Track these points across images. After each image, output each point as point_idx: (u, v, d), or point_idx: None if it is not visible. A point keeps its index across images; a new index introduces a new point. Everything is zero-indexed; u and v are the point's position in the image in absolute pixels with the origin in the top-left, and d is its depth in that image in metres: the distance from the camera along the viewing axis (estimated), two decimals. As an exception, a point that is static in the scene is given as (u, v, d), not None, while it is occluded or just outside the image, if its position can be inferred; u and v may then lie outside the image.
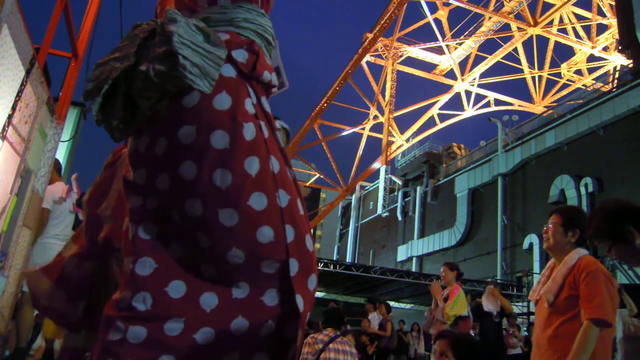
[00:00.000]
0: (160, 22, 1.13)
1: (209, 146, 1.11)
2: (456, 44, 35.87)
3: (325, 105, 34.19)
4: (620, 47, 25.29)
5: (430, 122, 36.87)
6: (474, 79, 36.39)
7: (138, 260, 1.11)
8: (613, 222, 1.77)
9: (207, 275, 1.13)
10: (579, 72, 37.36)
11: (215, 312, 1.10)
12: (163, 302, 1.08)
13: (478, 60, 36.52)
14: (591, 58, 36.07)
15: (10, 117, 3.00)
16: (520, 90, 39.09)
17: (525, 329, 12.71)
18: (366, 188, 39.24)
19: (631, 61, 20.77)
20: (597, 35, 35.22)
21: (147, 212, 1.15)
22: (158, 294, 1.08)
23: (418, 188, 31.35)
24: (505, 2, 33.15)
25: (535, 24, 32.88)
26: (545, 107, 34.81)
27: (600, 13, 35.06)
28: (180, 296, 1.09)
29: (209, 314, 1.09)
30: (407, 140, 36.73)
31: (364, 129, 36.99)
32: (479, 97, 36.93)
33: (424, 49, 36.84)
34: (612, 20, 32.29)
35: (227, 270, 1.13)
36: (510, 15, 33.24)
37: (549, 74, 37.74)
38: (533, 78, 37.66)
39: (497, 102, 36.73)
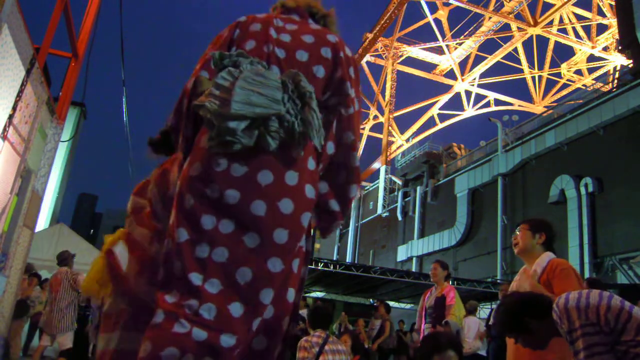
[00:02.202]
0: (292, 79, 1.37)
1: (303, 194, 1.36)
2: (456, 44, 35.86)
3: (325, 105, 34.16)
4: (620, 47, 25.27)
5: (430, 122, 36.90)
6: (474, 79, 36.38)
7: (208, 280, 1.26)
8: (513, 317, 1.93)
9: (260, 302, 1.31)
10: (579, 72, 37.35)
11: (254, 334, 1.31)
12: (224, 317, 1.25)
13: (478, 60, 36.56)
14: (591, 58, 36.06)
15: (10, 117, 3.00)
16: (520, 90, 39.14)
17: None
18: (366, 188, 39.23)
19: (631, 61, 20.76)
20: (597, 35, 35.22)
21: (220, 235, 1.30)
22: (222, 309, 1.25)
23: (418, 188, 31.34)
24: (505, 2, 33.15)
25: (535, 24, 32.88)
26: (545, 107, 34.80)
27: (600, 13, 35.05)
28: (238, 316, 1.26)
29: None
30: (407, 140, 36.72)
31: (364, 129, 36.98)
32: (479, 97, 36.93)
33: (424, 49, 36.83)
34: (612, 20, 32.29)
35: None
36: (510, 15, 33.23)
37: (549, 74, 37.73)
38: (533, 78, 37.65)
39: (497, 102, 36.74)
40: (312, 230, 1.47)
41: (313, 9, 1.64)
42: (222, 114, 1.29)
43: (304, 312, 10.29)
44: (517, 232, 2.78)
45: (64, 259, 6.16)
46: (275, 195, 1.32)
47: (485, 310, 20.14)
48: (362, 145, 36.55)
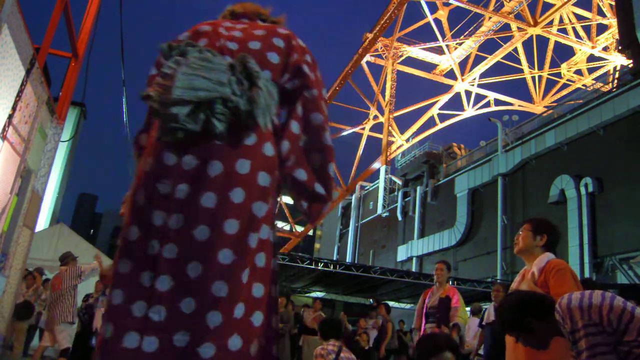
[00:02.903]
0: (240, 61, 1.35)
1: (255, 182, 1.32)
2: (456, 44, 35.85)
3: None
4: (620, 47, 25.27)
5: (430, 122, 36.88)
6: (474, 79, 36.37)
7: (158, 278, 1.24)
8: (515, 316, 1.93)
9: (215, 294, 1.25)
10: (579, 72, 37.34)
11: (218, 329, 1.23)
12: (176, 316, 1.22)
13: (478, 60, 36.54)
14: (591, 58, 36.05)
15: (10, 117, 3.00)
16: (520, 90, 39.13)
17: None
18: (366, 188, 39.22)
19: (631, 61, 20.75)
20: (597, 35, 35.21)
21: (169, 231, 1.27)
22: (172, 307, 1.22)
23: (418, 188, 31.35)
24: (505, 2, 33.14)
25: (535, 24, 32.87)
26: (545, 107, 34.79)
27: (600, 13, 35.04)
28: (190, 312, 1.22)
29: (212, 330, 1.23)
30: (407, 140, 36.71)
31: (364, 129, 36.99)
32: (479, 97, 36.92)
33: (424, 49, 36.82)
34: (612, 20, 32.28)
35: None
36: (510, 15, 33.22)
37: (549, 74, 37.72)
38: (533, 78, 37.64)
39: (497, 102, 36.73)
40: (274, 221, 1.41)
41: (262, 15, 1.64)
42: (164, 100, 1.27)
43: (303, 311, 10.29)
44: (520, 232, 2.77)
45: (64, 258, 6.22)
46: (225, 185, 1.28)
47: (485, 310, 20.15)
48: (362, 145, 36.60)
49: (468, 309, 8.45)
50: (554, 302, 1.87)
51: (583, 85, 35.10)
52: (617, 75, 29.46)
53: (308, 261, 16.22)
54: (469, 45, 35.46)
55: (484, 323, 6.69)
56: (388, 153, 34.42)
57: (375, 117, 36.30)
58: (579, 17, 35.87)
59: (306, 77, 1.49)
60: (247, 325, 1.27)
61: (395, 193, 34.13)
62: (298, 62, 1.48)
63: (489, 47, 40.12)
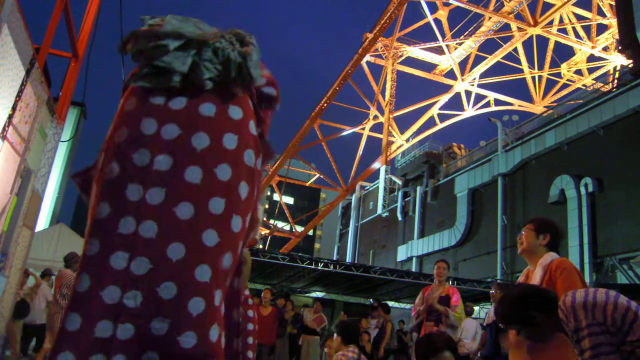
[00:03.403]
0: (231, 31, 1.30)
1: (242, 160, 1.25)
2: (456, 44, 35.85)
3: (325, 105, 34.18)
4: (620, 47, 25.25)
5: (430, 122, 36.88)
6: (474, 79, 36.35)
7: (135, 259, 1.12)
8: (518, 309, 1.92)
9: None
10: (579, 72, 37.33)
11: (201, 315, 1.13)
12: (153, 301, 1.11)
13: (478, 60, 36.53)
14: (591, 58, 36.04)
15: (10, 117, 3.00)
16: (520, 90, 39.10)
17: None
18: (366, 188, 39.21)
19: (631, 61, 20.75)
20: (597, 35, 35.19)
21: (147, 207, 1.15)
22: (150, 292, 1.11)
23: (418, 188, 31.34)
24: (505, 2, 33.13)
25: (535, 24, 32.86)
26: (545, 107, 34.79)
27: (600, 13, 35.03)
28: (170, 297, 1.11)
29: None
30: (407, 140, 36.70)
31: (364, 129, 36.97)
32: (479, 97, 36.91)
33: (424, 49, 36.81)
34: (612, 20, 32.26)
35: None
36: (510, 15, 33.22)
37: (549, 74, 37.71)
38: (533, 78, 37.63)
39: (497, 102, 36.72)
40: (255, 207, 1.31)
41: None
42: (152, 33, 1.18)
43: (303, 311, 10.29)
44: (522, 232, 2.76)
45: (69, 259, 6.09)
46: (212, 160, 1.17)
47: (485, 311, 20.15)
48: (362, 145, 36.58)
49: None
50: (558, 297, 1.87)
51: (583, 85, 35.09)
52: (617, 75, 29.45)
53: (308, 261, 16.22)
54: (469, 45, 35.45)
55: (485, 324, 6.70)
56: (388, 153, 34.41)
57: (375, 117, 36.28)
58: (579, 17, 35.86)
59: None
60: (220, 314, 1.18)
61: (395, 193, 34.12)
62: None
63: (489, 47, 40.10)
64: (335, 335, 3.90)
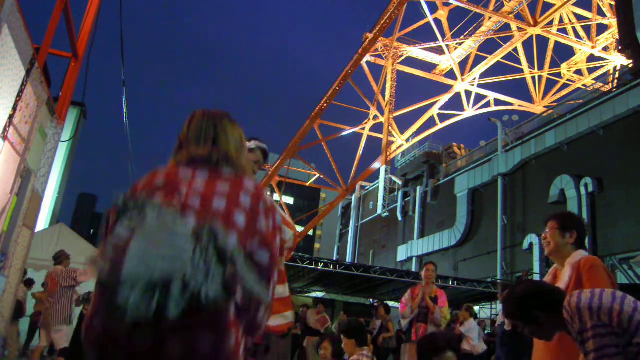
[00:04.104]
0: (208, 230, 1.17)
1: None
2: (456, 44, 35.83)
3: (325, 105, 34.15)
4: (620, 47, 25.25)
5: (430, 122, 36.84)
6: (474, 79, 36.34)
7: None
8: (522, 307, 1.90)
9: None
10: (579, 72, 37.32)
11: None
12: None
13: (478, 60, 36.50)
14: (591, 58, 36.03)
15: (11, 117, 3.00)
16: (520, 90, 39.09)
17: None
18: (366, 188, 39.21)
19: (631, 61, 20.75)
20: (597, 35, 35.18)
21: None
22: None
23: (418, 188, 31.35)
24: (505, 2, 33.12)
25: (535, 24, 32.85)
26: (545, 107, 34.78)
27: (600, 13, 35.02)
28: None
29: None
30: (407, 140, 36.69)
31: (364, 129, 36.95)
32: (479, 97, 36.89)
33: (424, 49, 36.79)
34: (612, 20, 32.25)
35: None
36: (510, 15, 33.20)
37: (549, 74, 37.69)
38: (533, 78, 37.61)
39: (497, 102, 36.70)
40: None
41: (230, 159, 1.43)
42: (111, 280, 1.11)
43: (302, 311, 10.29)
44: (546, 231, 2.57)
45: (58, 257, 6.22)
46: None
47: (485, 311, 20.15)
48: (362, 145, 36.56)
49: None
50: (564, 296, 1.85)
51: (583, 85, 35.08)
52: (617, 75, 29.45)
53: (308, 261, 16.22)
54: (469, 45, 35.44)
55: (497, 324, 6.77)
56: (388, 153, 34.40)
57: (375, 117, 36.26)
58: (579, 17, 35.84)
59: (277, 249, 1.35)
60: None
61: (395, 193, 34.13)
62: (266, 238, 1.32)
63: (489, 47, 40.07)
64: (344, 338, 3.83)
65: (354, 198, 39.05)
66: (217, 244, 1.16)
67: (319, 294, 21.05)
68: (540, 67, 37.58)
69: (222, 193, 1.32)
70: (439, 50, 36.52)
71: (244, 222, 1.29)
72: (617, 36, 28.21)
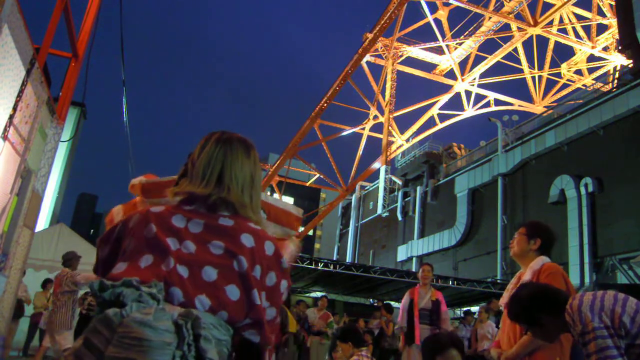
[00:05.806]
0: (192, 325, 1.07)
1: None
2: (456, 44, 35.84)
3: (325, 105, 34.15)
4: (620, 47, 25.26)
5: (430, 122, 36.85)
6: (474, 79, 36.35)
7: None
8: (526, 310, 1.95)
9: None
10: (579, 72, 37.33)
11: None
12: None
13: (478, 60, 36.51)
14: (591, 58, 36.04)
15: (11, 117, 3.00)
16: (520, 90, 39.10)
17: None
18: (366, 188, 39.22)
19: (631, 61, 20.76)
20: (597, 35, 35.19)
21: None
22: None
23: (418, 188, 31.36)
24: (505, 2, 33.13)
25: (535, 24, 32.86)
26: (545, 107, 34.79)
27: (600, 13, 35.03)
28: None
29: None
30: (407, 140, 36.70)
31: (364, 129, 36.96)
32: (479, 97, 36.90)
33: (424, 49, 36.80)
34: (612, 20, 32.27)
35: None
36: (510, 15, 33.21)
37: (549, 74, 37.70)
38: (533, 78, 37.62)
39: (497, 102, 36.71)
40: None
41: (233, 203, 1.27)
42: None
43: (303, 311, 10.28)
44: (515, 236, 2.85)
45: (68, 259, 6.06)
46: None
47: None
48: (362, 145, 36.57)
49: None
50: (568, 299, 1.87)
51: (583, 85, 35.09)
52: (617, 75, 29.45)
53: (308, 261, 16.21)
54: (469, 45, 35.45)
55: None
56: (388, 153, 34.40)
57: (375, 117, 36.27)
58: (579, 17, 35.86)
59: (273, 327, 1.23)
60: None
61: (395, 193, 34.14)
62: (259, 316, 1.18)
63: (489, 47, 40.12)
64: (340, 343, 3.89)
65: (354, 198, 39.05)
66: (199, 345, 1.05)
67: (319, 294, 21.05)
68: (540, 67, 37.59)
69: (214, 258, 1.17)
70: (439, 50, 36.53)
71: (237, 295, 1.16)
72: (617, 36, 28.23)
